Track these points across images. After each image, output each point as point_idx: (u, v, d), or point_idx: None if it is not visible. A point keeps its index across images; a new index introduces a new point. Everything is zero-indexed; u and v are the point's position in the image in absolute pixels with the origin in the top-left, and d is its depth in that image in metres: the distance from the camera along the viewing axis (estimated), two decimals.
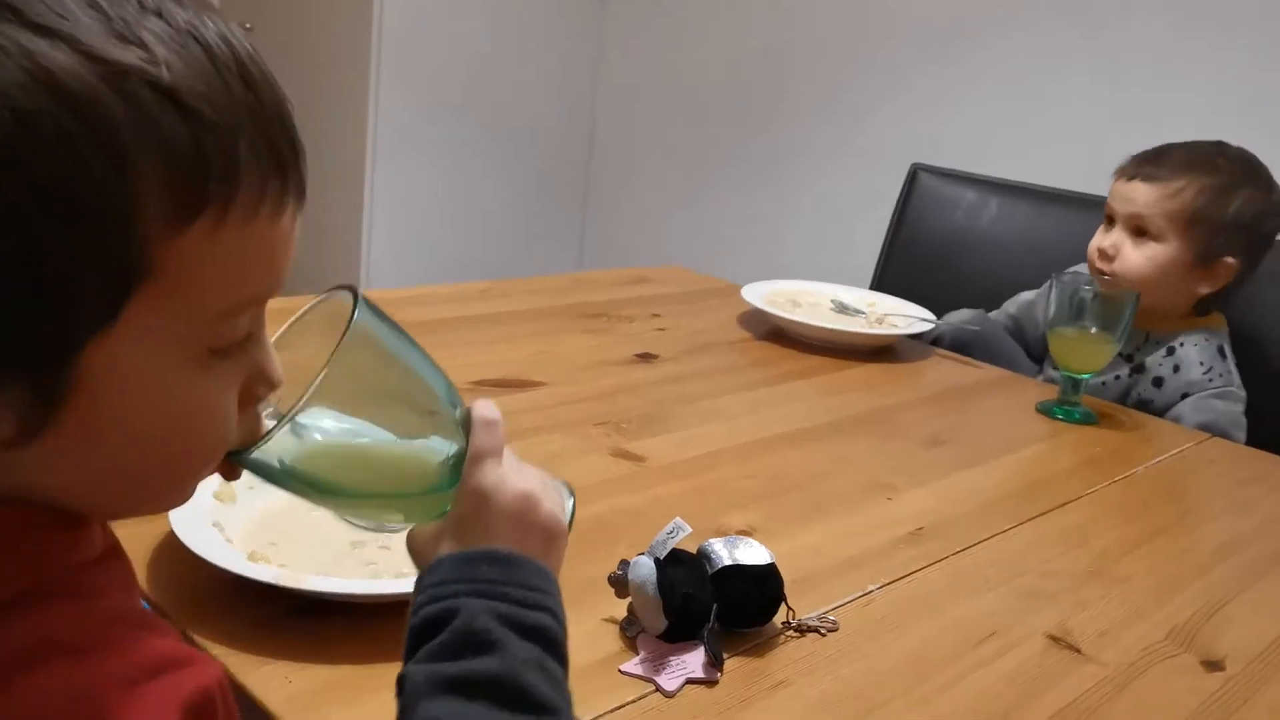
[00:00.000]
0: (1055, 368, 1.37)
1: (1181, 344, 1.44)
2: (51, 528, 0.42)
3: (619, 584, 0.74)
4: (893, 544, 0.93)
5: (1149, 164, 1.43)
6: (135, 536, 0.74)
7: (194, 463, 0.46)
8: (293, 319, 0.54)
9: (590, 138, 3.24)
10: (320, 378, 0.48)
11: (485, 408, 0.57)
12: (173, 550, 0.73)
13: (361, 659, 0.67)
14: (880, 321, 1.57)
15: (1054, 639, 0.81)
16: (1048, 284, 1.56)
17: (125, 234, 0.38)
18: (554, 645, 0.52)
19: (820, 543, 0.92)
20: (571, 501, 0.62)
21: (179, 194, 0.39)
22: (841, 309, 1.61)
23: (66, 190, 0.36)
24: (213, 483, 0.78)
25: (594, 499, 0.93)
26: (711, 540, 0.76)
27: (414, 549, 0.57)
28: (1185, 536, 1.03)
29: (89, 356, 0.39)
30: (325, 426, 0.52)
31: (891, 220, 2.12)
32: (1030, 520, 1.02)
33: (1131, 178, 1.44)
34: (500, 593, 0.52)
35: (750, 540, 0.76)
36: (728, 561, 0.74)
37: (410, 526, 0.58)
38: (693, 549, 0.76)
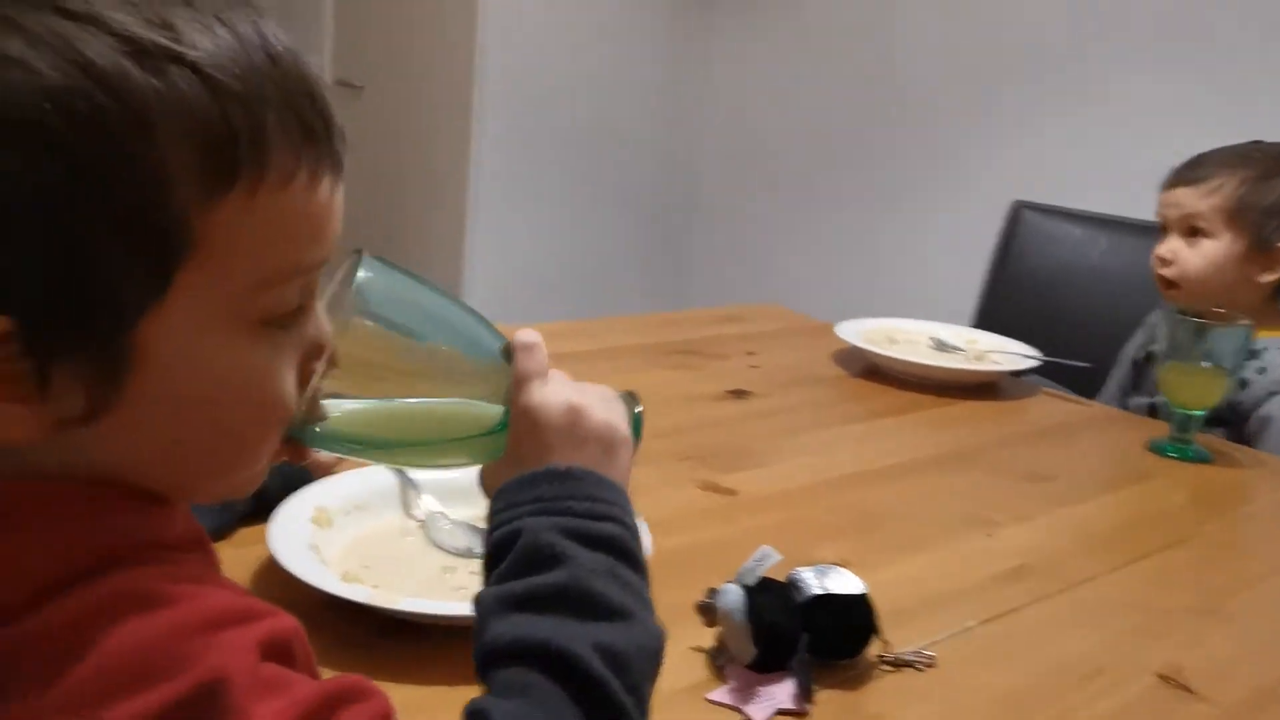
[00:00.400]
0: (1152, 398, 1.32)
1: (1266, 348, 1.40)
2: (130, 505, 0.43)
3: (707, 612, 0.73)
4: (993, 579, 0.90)
5: (1187, 169, 1.46)
6: (236, 560, 0.77)
7: (256, 433, 0.47)
8: (325, 294, 0.54)
9: (693, 177, 3.26)
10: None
11: (525, 334, 0.58)
12: (271, 572, 0.75)
13: (449, 680, 0.67)
14: (981, 358, 1.53)
15: (1164, 678, 0.77)
16: (1153, 317, 1.52)
17: (162, 205, 0.39)
18: (625, 554, 0.52)
19: (916, 576, 0.90)
20: (638, 410, 0.62)
21: (210, 163, 0.40)
22: (940, 346, 1.58)
23: (101, 164, 0.38)
24: (310, 508, 0.80)
25: (681, 531, 0.93)
26: (801, 569, 0.75)
27: (485, 487, 0.58)
28: None
29: (145, 330, 0.41)
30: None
31: (993, 258, 2.08)
32: (1139, 559, 0.97)
33: (1174, 185, 1.47)
34: (562, 507, 0.52)
35: (841, 569, 0.75)
36: (818, 590, 0.73)
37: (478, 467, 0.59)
38: (782, 578, 0.75)
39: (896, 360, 1.46)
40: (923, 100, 2.69)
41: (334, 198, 0.46)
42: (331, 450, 0.55)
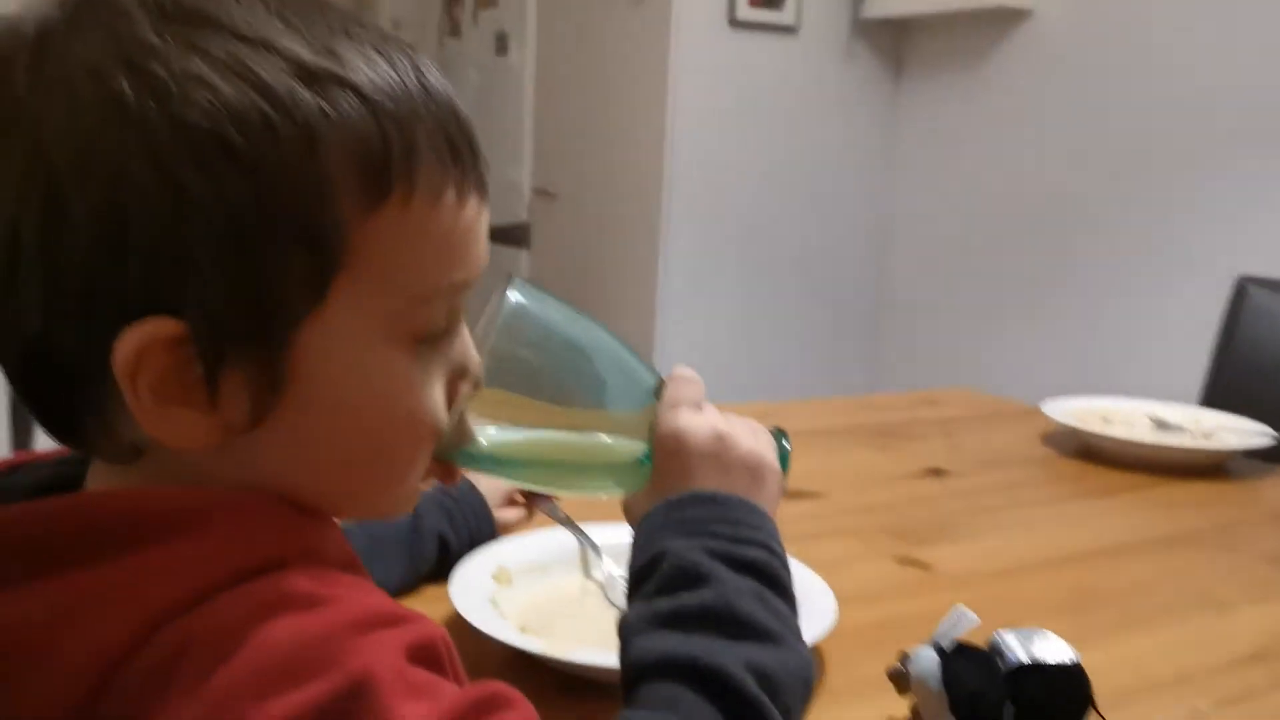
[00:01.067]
0: None
1: None
2: (291, 516, 0.44)
3: (899, 679, 0.68)
4: (1228, 663, 0.81)
5: None
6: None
7: (406, 447, 0.47)
8: (479, 319, 0.55)
9: (881, 263, 3.21)
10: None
11: (681, 368, 0.59)
12: (452, 627, 0.75)
13: None
14: (1209, 436, 1.41)
15: None
16: None
17: (325, 215, 0.41)
18: (772, 580, 0.50)
19: (1137, 658, 0.81)
20: (787, 444, 0.61)
21: (367, 177, 0.42)
22: (1161, 426, 1.47)
23: (273, 176, 0.40)
24: (492, 564, 0.80)
25: (874, 603, 0.88)
26: (1004, 631, 0.69)
27: (630, 515, 0.57)
28: None
29: (304, 338, 0.42)
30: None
31: (1217, 339, 1.93)
32: None
33: None
34: (708, 530, 0.51)
35: (1049, 633, 0.68)
36: (1023, 658, 0.66)
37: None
38: (983, 644, 0.69)
39: (1112, 440, 1.36)
40: (1123, 172, 2.57)
41: (480, 219, 0.47)
42: (480, 470, 0.55)
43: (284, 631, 0.39)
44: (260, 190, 0.40)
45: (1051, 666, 0.66)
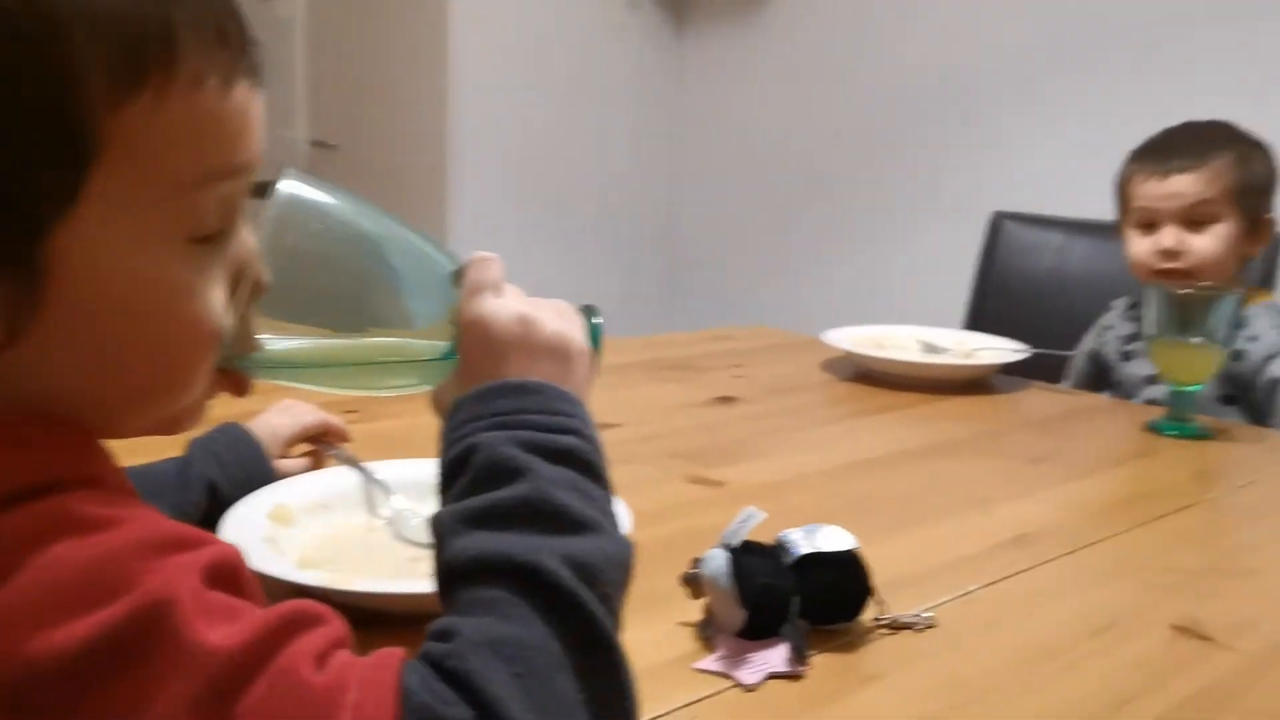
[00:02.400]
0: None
1: (1250, 316, 1.39)
2: (67, 437, 0.41)
3: (693, 582, 0.69)
4: (994, 549, 0.86)
5: (1175, 157, 1.43)
6: None
7: (185, 354, 0.44)
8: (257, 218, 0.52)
9: (674, 211, 3.26)
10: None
11: (481, 252, 0.57)
12: None
13: None
14: (970, 355, 1.50)
15: (1181, 629, 0.73)
16: (1123, 303, 1.51)
17: (69, 105, 0.38)
18: (588, 466, 0.50)
19: (912, 551, 0.85)
20: (597, 320, 0.59)
21: (118, 62, 0.38)
22: (929, 348, 1.55)
23: (4, 61, 0.36)
24: (269, 504, 0.77)
25: (668, 520, 0.89)
26: (789, 530, 0.71)
27: (437, 407, 0.55)
28: None
29: (59, 242, 0.39)
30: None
31: (977, 269, 2.06)
32: (1144, 524, 0.93)
33: (1167, 174, 1.43)
34: (519, 421, 0.49)
35: (830, 527, 0.71)
36: (807, 549, 0.69)
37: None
38: (770, 542, 0.71)
39: (885, 360, 1.43)
40: (898, 119, 2.70)
41: (251, 105, 0.44)
42: (272, 378, 0.52)
43: (69, 552, 0.36)
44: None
45: (832, 554, 0.69)
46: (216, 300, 0.44)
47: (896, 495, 1.00)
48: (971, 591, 0.77)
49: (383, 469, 0.84)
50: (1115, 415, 1.35)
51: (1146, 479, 1.10)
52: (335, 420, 0.92)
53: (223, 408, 0.54)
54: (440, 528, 0.47)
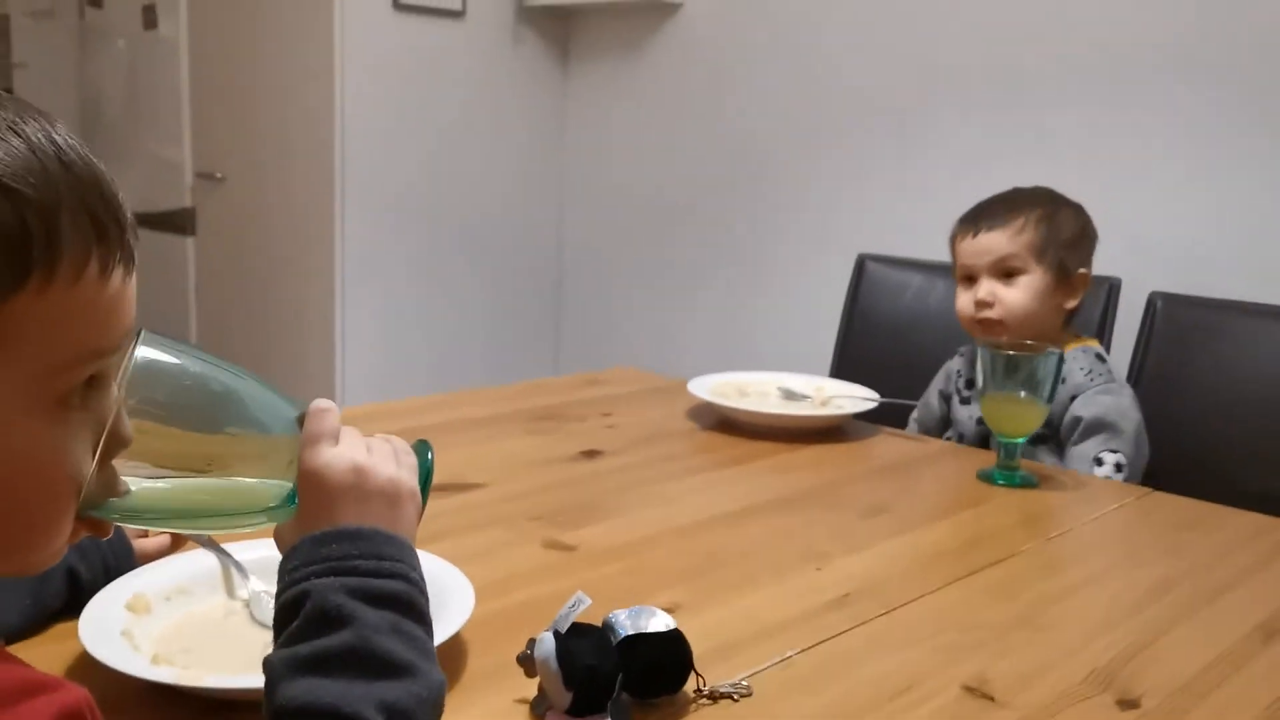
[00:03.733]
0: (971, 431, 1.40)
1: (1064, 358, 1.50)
2: None
3: (526, 662, 0.75)
4: (818, 610, 0.94)
5: (984, 218, 1.59)
6: (50, 655, 0.76)
7: (45, 509, 0.49)
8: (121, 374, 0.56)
9: (558, 246, 3.31)
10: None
11: (318, 401, 0.61)
12: (85, 665, 0.74)
13: None
14: (826, 404, 1.59)
15: (969, 689, 0.81)
16: (968, 349, 1.61)
17: None
18: (409, 607, 0.55)
19: (744, 613, 0.93)
20: (430, 456, 0.65)
21: (5, 262, 0.43)
22: (789, 395, 1.64)
23: None
24: (127, 594, 0.80)
25: (519, 588, 0.95)
26: (616, 612, 0.77)
27: (279, 542, 0.60)
28: (1115, 583, 1.04)
29: None
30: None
31: (844, 309, 2.17)
32: (960, 579, 1.02)
33: (977, 233, 1.58)
34: (348, 567, 0.55)
35: (654, 610, 0.77)
36: (630, 631, 0.75)
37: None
38: (598, 623, 0.77)
39: (742, 411, 1.51)
40: (766, 160, 2.79)
41: (125, 287, 0.49)
42: (131, 523, 0.57)
43: None
44: None
45: (653, 636, 0.75)
46: (79, 457, 0.49)
47: (737, 553, 1.07)
48: (789, 657, 0.85)
49: (240, 551, 0.88)
50: (951, 462, 1.45)
51: (972, 528, 1.19)
52: None
53: None
54: (271, 672, 0.52)
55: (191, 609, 0.83)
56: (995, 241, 1.56)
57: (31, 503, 0.48)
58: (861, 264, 2.16)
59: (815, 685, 0.81)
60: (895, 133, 2.56)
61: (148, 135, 3.41)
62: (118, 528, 0.87)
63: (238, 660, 0.77)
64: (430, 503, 1.14)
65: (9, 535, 0.48)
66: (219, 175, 3.17)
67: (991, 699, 0.80)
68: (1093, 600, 0.99)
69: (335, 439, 0.61)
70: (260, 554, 0.87)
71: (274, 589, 0.84)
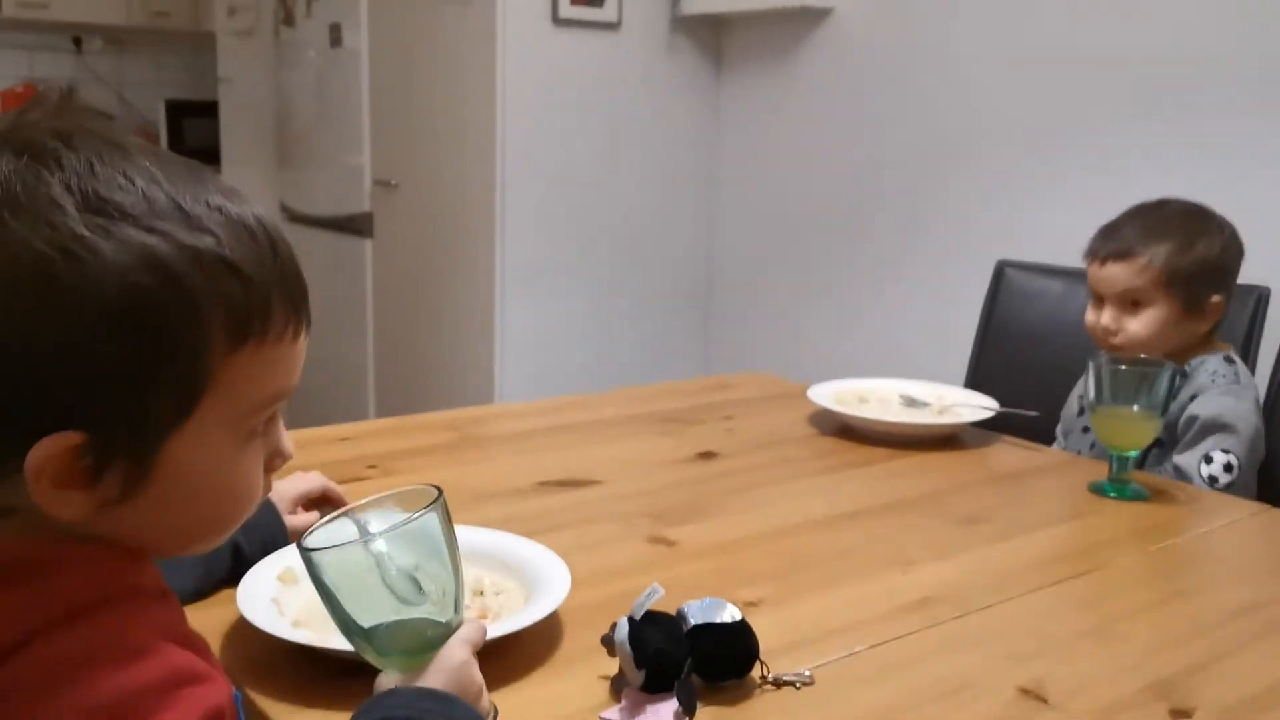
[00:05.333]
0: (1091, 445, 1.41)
1: (1191, 365, 1.56)
2: (114, 559, 0.58)
3: (607, 644, 0.85)
4: (893, 612, 1.00)
5: (1112, 243, 1.59)
6: (216, 617, 0.91)
7: (236, 516, 0.63)
8: (388, 493, 0.75)
9: (709, 252, 3.40)
10: (400, 524, 0.70)
11: (477, 620, 0.76)
12: (241, 626, 0.88)
13: None
14: (944, 412, 1.63)
15: (1025, 691, 0.86)
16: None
17: (197, 360, 0.56)
18: None
19: (821, 611, 1.00)
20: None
21: (233, 330, 0.56)
22: (910, 403, 1.68)
23: (162, 336, 0.54)
24: (278, 568, 0.94)
25: (619, 578, 1.04)
26: (689, 603, 0.86)
27: (379, 685, 0.73)
28: (1201, 600, 1.06)
29: (170, 442, 0.56)
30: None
31: (981, 316, 2.18)
32: (1042, 589, 1.06)
33: (1104, 262, 1.59)
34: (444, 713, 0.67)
35: (725, 603, 0.86)
36: (699, 620, 0.84)
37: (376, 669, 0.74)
38: (673, 612, 0.86)
39: (858, 418, 1.57)
40: (911, 166, 2.80)
41: (302, 345, 0.63)
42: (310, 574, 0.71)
43: (107, 681, 0.52)
44: (156, 348, 0.54)
45: (721, 625, 0.83)
46: (259, 475, 0.63)
47: (827, 555, 1.14)
48: (857, 652, 0.92)
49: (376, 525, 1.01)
50: (1067, 473, 1.46)
51: (1068, 541, 1.22)
52: (334, 486, 1.10)
53: None
54: None
55: None
56: (1119, 275, 1.58)
57: (227, 511, 0.62)
58: (1000, 271, 2.17)
59: (876, 680, 0.88)
60: (1039, 138, 2.53)
61: (333, 143, 3.68)
62: (274, 510, 1.02)
63: None
64: (549, 497, 1.27)
65: (199, 534, 0.63)
66: (394, 182, 3.40)
67: (1045, 701, 0.84)
68: (1172, 615, 1.01)
69: (476, 647, 0.73)
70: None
71: (399, 562, 0.97)
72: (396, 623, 0.72)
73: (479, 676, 0.72)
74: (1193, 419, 1.49)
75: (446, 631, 0.72)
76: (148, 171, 0.55)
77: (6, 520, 0.56)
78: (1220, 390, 1.50)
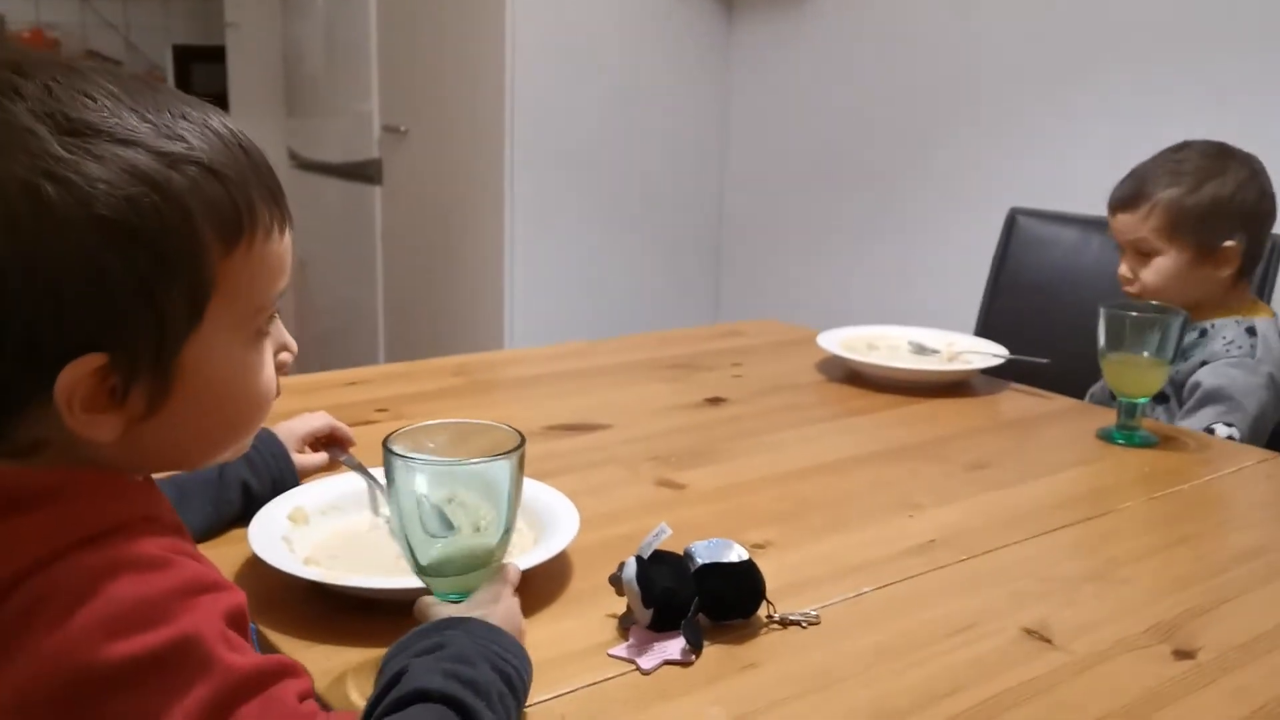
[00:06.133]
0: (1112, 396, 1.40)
1: (1213, 325, 1.54)
2: (142, 491, 0.60)
3: (615, 583, 0.85)
4: (898, 554, 1.00)
5: (1126, 192, 1.58)
6: (227, 554, 0.92)
7: (255, 417, 0.65)
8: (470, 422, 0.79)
9: (720, 198, 3.38)
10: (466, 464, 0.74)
11: (511, 564, 0.78)
12: (252, 563, 0.89)
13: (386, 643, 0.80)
14: (954, 359, 1.63)
15: (1029, 631, 0.87)
16: None
17: (198, 263, 0.57)
18: (513, 690, 0.65)
19: (828, 553, 1.00)
20: None
21: (224, 231, 0.58)
22: (919, 350, 1.68)
23: (162, 241, 0.55)
24: (289, 507, 0.95)
25: (628, 520, 1.05)
26: (695, 543, 0.87)
27: (427, 611, 0.73)
28: (1206, 545, 1.06)
29: (186, 350, 0.58)
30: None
31: (993, 264, 2.16)
32: (1048, 532, 1.07)
33: (1115, 212, 1.59)
34: (489, 642, 0.66)
35: (732, 543, 0.86)
36: (706, 560, 0.84)
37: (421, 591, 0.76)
38: (679, 552, 0.87)
39: (867, 364, 1.56)
40: (925, 112, 2.77)
41: (288, 243, 0.64)
42: (391, 485, 0.73)
43: (129, 588, 0.54)
44: (157, 256, 0.55)
45: (727, 565, 0.84)
46: (271, 373, 0.65)
47: (834, 499, 1.14)
48: (863, 594, 0.92)
49: (378, 474, 1.02)
50: (1076, 419, 1.46)
51: (1075, 487, 1.22)
52: (341, 426, 1.12)
53: None
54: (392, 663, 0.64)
55: (341, 522, 0.97)
56: (1127, 224, 1.58)
57: (247, 410, 0.64)
58: (1013, 218, 2.15)
59: (880, 620, 0.88)
60: (1053, 82, 2.50)
61: (342, 90, 3.65)
62: (283, 449, 1.03)
63: (375, 566, 0.91)
64: (557, 441, 1.28)
65: (224, 438, 0.64)
66: (403, 129, 3.38)
67: (1049, 642, 0.85)
68: (1176, 559, 1.02)
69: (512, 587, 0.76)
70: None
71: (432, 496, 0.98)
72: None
73: (514, 605, 0.74)
74: (1196, 385, 1.48)
75: (478, 561, 0.75)
76: (106, 89, 0.56)
77: (38, 453, 0.58)
78: (1231, 361, 1.48)
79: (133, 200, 0.54)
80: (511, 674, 0.64)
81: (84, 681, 0.52)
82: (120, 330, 0.55)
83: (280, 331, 0.69)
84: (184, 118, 0.58)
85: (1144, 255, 1.56)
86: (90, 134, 0.54)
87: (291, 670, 0.58)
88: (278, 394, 0.68)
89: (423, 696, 0.58)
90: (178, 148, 0.57)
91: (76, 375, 0.55)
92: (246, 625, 0.59)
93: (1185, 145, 1.59)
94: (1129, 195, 1.57)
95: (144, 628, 0.53)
